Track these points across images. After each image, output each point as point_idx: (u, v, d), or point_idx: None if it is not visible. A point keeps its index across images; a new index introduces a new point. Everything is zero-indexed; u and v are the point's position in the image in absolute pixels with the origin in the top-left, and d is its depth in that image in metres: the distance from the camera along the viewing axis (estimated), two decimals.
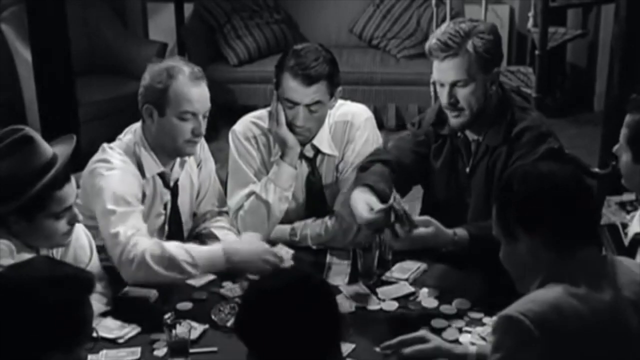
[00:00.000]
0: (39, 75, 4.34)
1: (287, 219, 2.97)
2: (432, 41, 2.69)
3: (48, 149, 2.37)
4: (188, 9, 6.09)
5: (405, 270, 2.79)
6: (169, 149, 2.78)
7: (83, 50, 5.52)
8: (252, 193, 2.92)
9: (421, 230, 2.55)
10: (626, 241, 2.41)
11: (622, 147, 2.35)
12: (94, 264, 2.60)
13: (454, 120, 2.74)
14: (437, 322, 2.50)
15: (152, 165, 2.78)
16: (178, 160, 2.85)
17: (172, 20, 6.11)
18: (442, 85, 2.72)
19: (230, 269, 2.72)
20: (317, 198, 3.01)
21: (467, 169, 2.81)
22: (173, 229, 2.90)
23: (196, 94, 2.72)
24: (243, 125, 2.98)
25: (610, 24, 5.26)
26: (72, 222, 2.43)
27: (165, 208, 2.87)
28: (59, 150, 2.41)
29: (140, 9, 6.28)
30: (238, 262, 2.71)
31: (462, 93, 2.69)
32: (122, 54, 5.72)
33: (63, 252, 2.53)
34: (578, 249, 1.94)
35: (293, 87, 2.80)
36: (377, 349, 2.35)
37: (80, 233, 2.58)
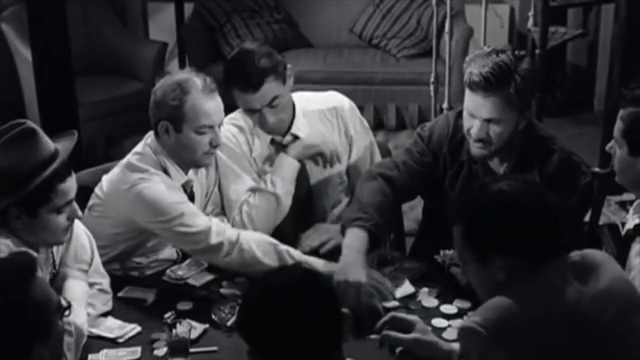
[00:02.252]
0: (39, 75, 4.34)
1: None
2: (473, 73, 2.58)
3: (50, 143, 2.37)
4: (188, 8, 6.08)
5: (405, 270, 2.79)
6: (187, 162, 2.78)
7: (83, 50, 5.51)
8: (252, 189, 2.92)
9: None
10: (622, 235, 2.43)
11: (616, 141, 2.35)
12: (95, 264, 2.60)
13: (477, 150, 2.69)
14: (437, 322, 2.50)
15: (178, 176, 2.78)
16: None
17: (172, 20, 6.11)
18: (473, 117, 2.65)
19: None
20: (302, 186, 3.00)
21: None
22: None
23: (212, 107, 2.70)
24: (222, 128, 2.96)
25: (610, 24, 5.26)
26: (71, 217, 2.42)
27: None
28: (61, 146, 2.41)
29: (140, 8, 6.27)
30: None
31: (494, 129, 2.63)
32: (122, 54, 5.72)
33: (64, 251, 2.53)
34: (544, 263, 1.95)
35: (246, 98, 2.83)
36: (371, 337, 2.35)
37: (81, 233, 2.58)
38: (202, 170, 2.93)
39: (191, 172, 2.85)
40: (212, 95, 2.70)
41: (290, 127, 2.96)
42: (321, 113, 3.04)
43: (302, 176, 2.99)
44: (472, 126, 2.65)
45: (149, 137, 2.80)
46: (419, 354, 2.24)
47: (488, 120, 2.62)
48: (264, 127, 2.91)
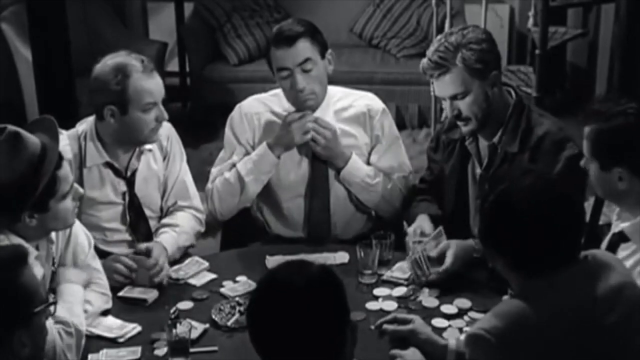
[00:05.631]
0: (39, 75, 4.34)
1: (291, 185, 3.04)
2: (424, 61, 2.73)
3: (33, 137, 2.35)
4: (188, 8, 6.09)
5: (405, 270, 2.79)
6: (133, 141, 2.85)
7: (83, 50, 5.51)
8: (234, 165, 3.03)
9: (447, 261, 2.65)
10: (606, 241, 2.44)
11: (587, 159, 2.39)
12: (95, 263, 2.60)
13: (463, 128, 2.79)
14: (437, 322, 2.51)
15: (95, 155, 2.84)
16: (136, 151, 2.89)
17: (172, 20, 6.11)
18: (443, 99, 2.76)
19: None
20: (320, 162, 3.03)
21: (479, 173, 2.82)
22: (134, 218, 2.93)
23: (153, 85, 2.81)
24: (249, 101, 3.11)
25: (610, 24, 5.26)
26: (75, 198, 2.45)
27: (124, 198, 2.90)
28: (41, 133, 2.40)
29: (141, 8, 6.28)
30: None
31: (463, 104, 2.73)
32: None
33: (63, 250, 2.53)
34: (554, 271, 1.95)
35: (279, 55, 2.91)
36: (372, 327, 2.43)
37: (80, 232, 2.58)
38: (158, 161, 2.96)
39: (134, 159, 2.89)
40: (152, 75, 2.81)
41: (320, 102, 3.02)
42: (352, 110, 3.09)
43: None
44: (446, 108, 2.78)
45: (89, 118, 2.91)
46: (414, 344, 2.29)
47: (453, 97, 2.72)
48: (292, 94, 2.94)
